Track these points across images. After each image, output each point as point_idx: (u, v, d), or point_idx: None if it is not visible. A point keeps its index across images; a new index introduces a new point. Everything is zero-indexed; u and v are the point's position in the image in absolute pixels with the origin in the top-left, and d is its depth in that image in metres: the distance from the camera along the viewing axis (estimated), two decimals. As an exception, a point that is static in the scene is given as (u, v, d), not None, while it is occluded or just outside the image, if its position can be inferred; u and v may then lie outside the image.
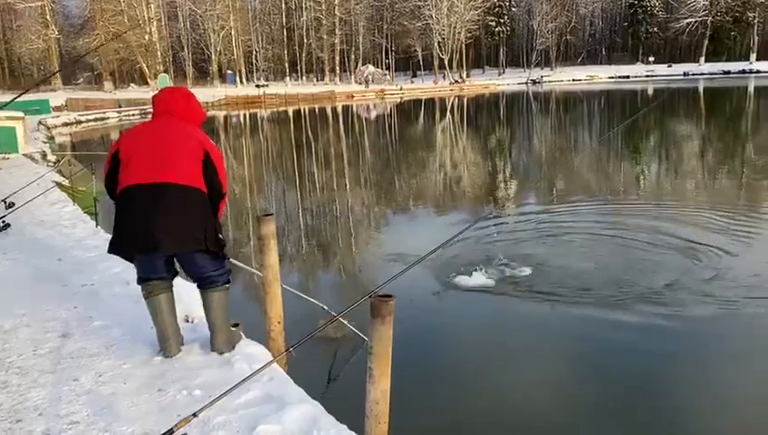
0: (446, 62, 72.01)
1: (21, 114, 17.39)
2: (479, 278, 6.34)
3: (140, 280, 3.61)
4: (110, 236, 6.74)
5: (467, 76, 75.36)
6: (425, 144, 22.96)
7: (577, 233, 8.41)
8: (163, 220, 3.32)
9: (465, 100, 51.60)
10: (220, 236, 3.55)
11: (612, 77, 71.96)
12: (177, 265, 3.65)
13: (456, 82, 70.18)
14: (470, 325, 5.57)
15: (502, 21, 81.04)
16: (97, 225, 7.13)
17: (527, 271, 6.58)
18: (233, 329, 3.87)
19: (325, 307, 4.95)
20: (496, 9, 79.38)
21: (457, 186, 14.03)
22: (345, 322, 4.42)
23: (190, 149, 3.46)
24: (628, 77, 71.01)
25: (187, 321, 4.40)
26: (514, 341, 5.23)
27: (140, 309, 4.03)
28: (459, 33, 71.47)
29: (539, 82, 69.68)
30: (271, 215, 3.75)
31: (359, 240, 9.03)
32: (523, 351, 4.99)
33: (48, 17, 55.41)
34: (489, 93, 59.10)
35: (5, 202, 7.82)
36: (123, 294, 4.65)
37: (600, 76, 73.09)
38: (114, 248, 3.48)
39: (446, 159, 18.86)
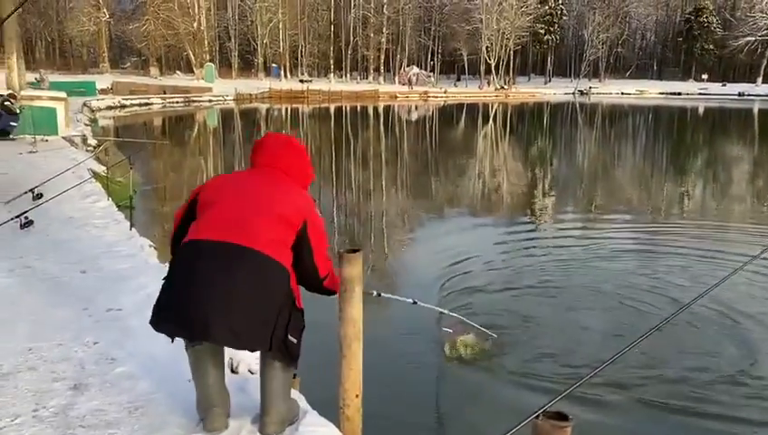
0: (492, 67, 70.60)
1: (63, 95, 16.88)
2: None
3: None
4: (145, 243, 5.98)
5: (513, 83, 73.73)
6: (469, 152, 21.92)
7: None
8: (226, 298, 2.38)
9: (510, 107, 50.29)
10: (291, 338, 2.53)
11: (663, 93, 69.72)
12: None
13: (502, 88, 68.78)
14: None
15: (552, 29, 79.18)
16: (131, 226, 6.30)
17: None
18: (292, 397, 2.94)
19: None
20: (547, 17, 77.56)
21: (510, 198, 13.00)
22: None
23: (285, 214, 2.55)
24: (679, 94, 68.71)
25: (233, 371, 3.49)
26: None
27: (178, 351, 3.13)
28: (508, 39, 70.00)
29: (586, 94, 67.79)
30: (358, 251, 2.79)
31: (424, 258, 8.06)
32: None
33: (100, 0, 55.67)
34: (534, 102, 57.63)
35: (33, 192, 7.07)
36: (156, 326, 3.74)
37: (650, 91, 70.87)
38: (154, 319, 2.52)
39: (493, 171, 17.83)
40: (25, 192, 7.10)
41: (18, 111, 13.82)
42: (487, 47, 69.95)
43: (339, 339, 2.92)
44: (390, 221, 10.56)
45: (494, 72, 71.05)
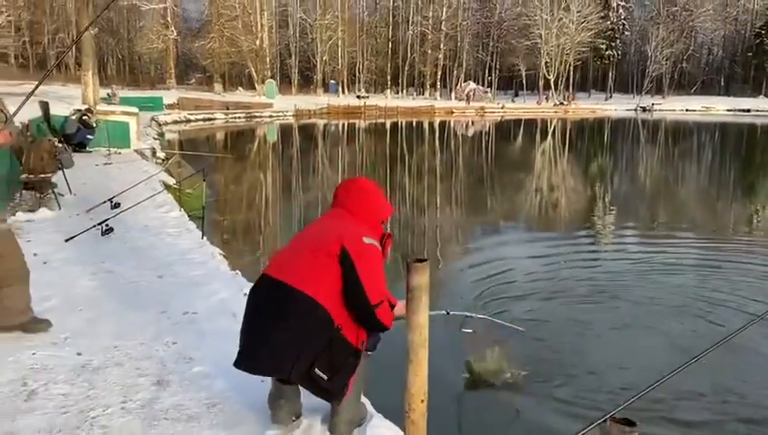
0: (551, 83, 69.83)
1: (135, 110, 17.72)
2: None
3: None
4: (215, 252, 6.26)
5: (573, 98, 72.65)
6: (526, 168, 21.75)
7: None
8: (256, 328, 2.65)
9: (569, 123, 49.56)
10: (319, 372, 2.54)
11: (731, 109, 67.07)
12: None
13: (561, 103, 67.87)
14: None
15: (613, 45, 77.78)
16: (203, 235, 6.60)
17: None
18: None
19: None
20: (608, 32, 76.21)
21: (568, 213, 12.82)
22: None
23: (326, 245, 2.65)
24: (748, 111, 65.81)
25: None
26: None
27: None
28: (568, 54, 69.19)
29: (649, 110, 66.10)
30: (426, 261, 2.89)
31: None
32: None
33: (169, 19, 58.12)
34: (595, 118, 56.60)
35: (111, 202, 7.52)
36: (229, 329, 3.91)
37: (716, 108, 68.38)
38: None
39: (550, 186, 17.63)
40: (104, 201, 7.56)
41: (94, 125, 14.61)
42: (546, 63, 69.29)
43: (406, 345, 3.01)
44: (445, 235, 10.64)
45: (553, 87, 70.23)
